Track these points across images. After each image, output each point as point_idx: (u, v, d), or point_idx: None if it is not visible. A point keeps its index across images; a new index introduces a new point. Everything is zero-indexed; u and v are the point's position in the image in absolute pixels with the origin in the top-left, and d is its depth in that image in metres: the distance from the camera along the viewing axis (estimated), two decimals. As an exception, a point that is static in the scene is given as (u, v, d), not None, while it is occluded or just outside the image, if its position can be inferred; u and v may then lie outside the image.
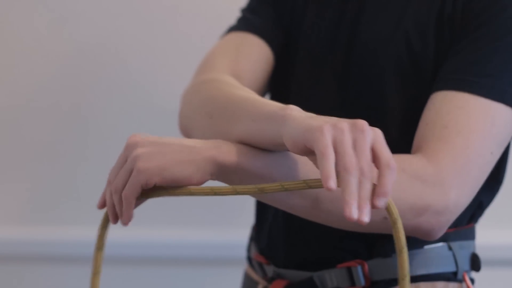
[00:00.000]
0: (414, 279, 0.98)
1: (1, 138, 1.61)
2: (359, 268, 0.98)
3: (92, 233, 1.54)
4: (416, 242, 0.98)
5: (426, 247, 0.99)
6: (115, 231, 1.58)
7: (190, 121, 0.98)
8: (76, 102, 1.59)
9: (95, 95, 1.59)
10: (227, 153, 0.81)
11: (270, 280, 1.07)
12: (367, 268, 0.98)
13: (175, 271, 1.59)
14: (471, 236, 1.04)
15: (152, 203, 1.56)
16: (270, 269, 1.07)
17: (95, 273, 0.85)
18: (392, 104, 0.99)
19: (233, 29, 1.13)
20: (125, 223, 0.82)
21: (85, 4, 1.57)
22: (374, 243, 0.99)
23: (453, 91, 0.92)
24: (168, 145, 0.80)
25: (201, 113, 0.94)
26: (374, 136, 0.71)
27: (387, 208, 0.73)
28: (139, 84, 1.53)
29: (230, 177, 0.81)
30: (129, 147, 0.81)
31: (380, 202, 0.69)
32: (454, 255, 1.00)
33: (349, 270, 0.99)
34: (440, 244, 0.99)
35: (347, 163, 0.68)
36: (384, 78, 1.00)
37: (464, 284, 1.00)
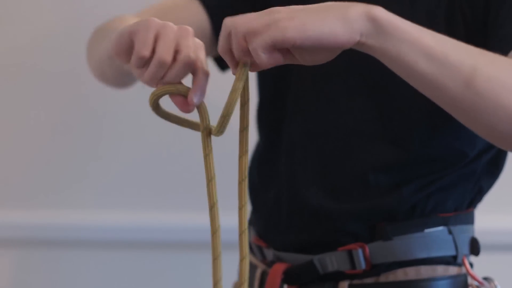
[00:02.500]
0: (415, 262, 0.98)
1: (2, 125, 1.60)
2: (360, 251, 0.98)
3: (92, 217, 1.56)
4: (417, 225, 0.99)
5: (427, 230, 0.99)
6: (119, 215, 1.60)
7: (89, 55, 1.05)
8: (77, 87, 1.59)
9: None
10: (383, 10, 0.74)
11: (269, 263, 1.07)
12: (368, 251, 0.98)
13: (173, 256, 1.59)
14: (470, 220, 1.04)
15: (149, 187, 1.57)
16: (269, 253, 1.07)
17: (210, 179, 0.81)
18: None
19: None
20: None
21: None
22: (374, 226, 0.99)
23: None
24: (315, 7, 0.73)
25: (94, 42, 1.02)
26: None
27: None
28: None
29: (383, 39, 0.74)
30: (271, 12, 0.73)
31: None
32: (454, 239, 1.00)
33: (350, 253, 0.99)
34: (440, 228, 1.00)
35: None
36: None
37: (463, 268, 1.01)
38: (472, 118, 0.79)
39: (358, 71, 1.00)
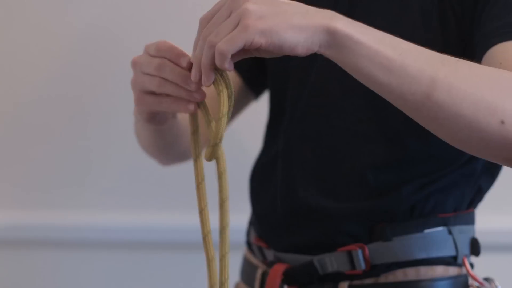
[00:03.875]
0: (414, 263, 0.98)
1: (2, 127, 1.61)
2: (359, 251, 0.98)
3: (92, 218, 1.57)
4: (416, 226, 0.99)
5: (427, 231, 0.99)
6: (119, 216, 1.60)
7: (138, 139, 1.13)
8: (77, 88, 1.59)
9: (94, 83, 1.59)
10: (344, 21, 0.75)
11: (270, 264, 1.07)
12: (368, 251, 0.98)
13: (174, 256, 1.59)
14: (470, 221, 1.04)
15: (150, 187, 1.58)
16: (270, 253, 1.07)
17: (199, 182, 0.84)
18: None
19: None
20: (206, 85, 0.78)
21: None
22: (374, 226, 0.99)
23: (510, 41, 0.86)
24: (281, 4, 0.74)
25: None
26: None
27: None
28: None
29: (340, 52, 0.75)
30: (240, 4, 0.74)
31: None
32: (454, 239, 1.00)
33: (350, 254, 0.99)
34: (440, 228, 1.00)
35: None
36: None
37: (463, 268, 1.01)
38: (434, 126, 0.79)
39: None
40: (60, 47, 1.58)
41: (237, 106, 1.19)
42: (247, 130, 1.49)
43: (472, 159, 1.01)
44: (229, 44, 0.73)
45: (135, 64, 0.88)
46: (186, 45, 0.86)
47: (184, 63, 0.82)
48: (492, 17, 0.91)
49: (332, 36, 0.74)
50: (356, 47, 0.75)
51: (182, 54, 0.82)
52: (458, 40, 0.96)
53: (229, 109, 0.80)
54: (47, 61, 1.58)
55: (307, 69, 1.06)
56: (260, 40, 0.73)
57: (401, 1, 0.99)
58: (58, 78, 1.58)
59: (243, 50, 0.76)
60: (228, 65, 0.75)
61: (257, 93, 1.21)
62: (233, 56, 0.75)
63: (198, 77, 0.79)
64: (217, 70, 0.79)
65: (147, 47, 0.86)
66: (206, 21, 0.78)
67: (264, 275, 1.07)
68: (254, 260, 1.11)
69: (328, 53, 0.76)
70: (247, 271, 1.14)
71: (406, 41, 0.78)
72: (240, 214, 1.27)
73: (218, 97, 0.79)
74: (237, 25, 0.74)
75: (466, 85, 0.76)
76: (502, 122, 0.75)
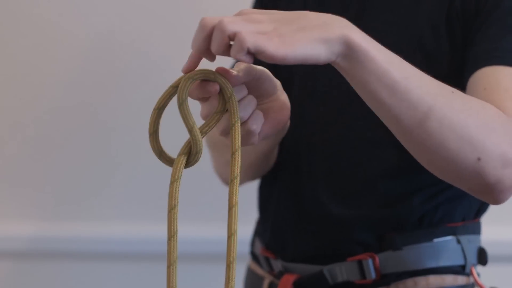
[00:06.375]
0: (424, 272, 0.99)
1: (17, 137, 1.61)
2: (370, 261, 0.99)
3: (101, 229, 1.56)
4: (425, 235, 0.99)
5: (436, 240, 1.00)
6: (121, 227, 1.60)
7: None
8: (93, 98, 1.60)
9: (109, 92, 1.60)
10: (361, 35, 0.76)
11: (277, 274, 1.07)
12: (378, 261, 0.98)
13: (180, 267, 1.58)
14: (477, 230, 1.05)
15: (152, 198, 1.57)
16: (277, 264, 1.07)
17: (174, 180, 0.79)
18: None
19: None
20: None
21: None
22: (383, 236, 0.99)
23: (498, 66, 0.90)
24: (298, 20, 0.74)
25: None
26: None
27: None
28: (160, 82, 1.54)
29: (353, 65, 0.76)
30: (256, 20, 0.73)
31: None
32: (462, 249, 1.01)
33: (360, 263, 0.99)
34: (449, 237, 1.00)
35: None
36: None
37: (471, 278, 1.01)
38: (416, 151, 0.83)
39: None
40: (77, 57, 1.58)
41: None
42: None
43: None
44: (251, 38, 0.71)
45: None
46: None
47: None
48: (486, 38, 0.94)
49: (349, 48, 0.75)
50: (368, 63, 0.76)
51: None
52: (463, 46, 0.97)
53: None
54: (63, 73, 1.59)
55: (311, 77, 1.06)
56: (283, 54, 0.71)
57: (412, 12, 1.00)
58: (67, 89, 1.58)
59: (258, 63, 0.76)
60: (245, 57, 0.72)
61: None
62: (249, 71, 0.76)
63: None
64: (224, 92, 0.76)
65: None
66: None
67: (271, 286, 1.07)
68: (260, 271, 1.11)
69: (342, 64, 0.76)
70: (252, 282, 1.13)
71: (411, 65, 0.80)
72: (243, 225, 1.27)
73: (231, 130, 0.76)
74: (259, 32, 0.72)
75: (457, 118, 0.79)
76: (479, 159, 0.80)
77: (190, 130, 0.76)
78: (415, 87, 0.78)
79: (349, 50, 0.75)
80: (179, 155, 0.78)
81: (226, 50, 0.73)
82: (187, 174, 1.58)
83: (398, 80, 0.77)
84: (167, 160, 0.80)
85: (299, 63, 0.74)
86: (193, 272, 1.58)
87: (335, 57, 0.75)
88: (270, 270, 1.09)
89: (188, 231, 1.54)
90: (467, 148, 0.79)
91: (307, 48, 0.73)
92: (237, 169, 0.77)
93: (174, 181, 0.79)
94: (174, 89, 0.77)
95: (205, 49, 0.74)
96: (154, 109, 0.77)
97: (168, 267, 0.80)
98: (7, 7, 1.58)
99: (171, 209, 0.80)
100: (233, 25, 0.72)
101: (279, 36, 0.72)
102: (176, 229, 0.81)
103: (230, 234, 0.78)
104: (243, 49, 0.71)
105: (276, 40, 0.72)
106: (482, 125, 0.80)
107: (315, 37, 0.73)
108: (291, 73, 1.08)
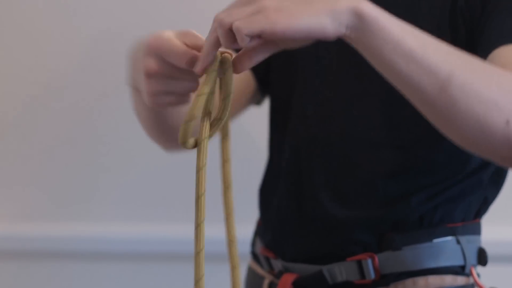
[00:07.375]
0: (424, 272, 0.99)
1: (15, 137, 1.61)
2: (369, 261, 0.99)
3: (100, 229, 1.56)
4: (425, 235, 0.99)
5: (435, 240, 0.99)
6: (120, 227, 1.60)
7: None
8: (83, 102, 1.60)
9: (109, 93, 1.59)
10: (370, 6, 0.73)
11: (277, 274, 1.07)
12: (377, 261, 0.98)
13: (178, 267, 1.58)
14: (477, 231, 1.05)
15: (152, 198, 1.57)
16: (277, 263, 1.07)
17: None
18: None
19: None
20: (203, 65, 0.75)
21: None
22: (383, 236, 1.00)
23: None
24: None
25: None
26: None
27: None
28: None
29: (367, 36, 0.74)
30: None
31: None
32: (462, 249, 1.00)
33: (359, 263, 0.99)
34: (449, 238, 1.00)
35: None
36: None
37: (471, 278, 1.01)
38: (445, 123, 0.80)
39: (366, 79, 1.01)
40: (73, 57, 1.58)
41: (244, 104, 1.18)
42: (254, 139, 1.49)
43: (479, 169, 1.02)
44: (246, 24, 0.71)
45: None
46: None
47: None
48: (498, 22, 0.93)
49: (359, 18, 0.73)
50: (381, 32, 0.74)
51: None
52: (466, 42, 0.97)
53: (223, 111, 0.79)
54: (60, 76, 1.58)
55: (313, 76, 1.06)
56: (283, 29, 0.70)
57: (415, 8, 1.00)
58: (63, 91, 1.58)
59: (272, 43, 0.74)
60: (253, 43, 0.72)
61: (262, 96, 1.20)
62: (263, 51, 0.74)
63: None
64: (221, 66, 0.77)
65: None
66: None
67: (271, 286, 1.07)
68: (260, 270, 1.11)
69: (354, 36, 0.74)
70: (253, 281, 1.13)
71: (425, 33, 0.78)
72: (243, 224, 1.27)
73: (208, 75, 0.75)
74: (256, 12, 0.72)
75: (478, 83, 0.77)
76: (507, 122, 0.77)
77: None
78: (432, 53, 0.76)
79: (360, 21, 0.73)
80: (201, 140, 0.77)
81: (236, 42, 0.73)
82: (187, 174, 1.59)
83: (414, 47, 0.75)
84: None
85: (303, 38, 0.72)
86: (193, 272, 1.58)
87: (344, 29, 0.73)
88: (270, 269, 1.09)
89: (188, 231, 1.55)
90: (494, 111, 0.76)
91: (311, 19, 0.71)
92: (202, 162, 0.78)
93: (200, 168, 0.78)
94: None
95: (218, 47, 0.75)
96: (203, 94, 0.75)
97: (196, 254, 0.79)
98: (6, 7, 1.58)
99: (199, 197, 0.79)
100: (228, 17, 0.72)
101: (278, 10, 0.71)
102: (203, 217, 0.80)
103: (197, 225, 0.80)
104: (243, 39, 0.71)
105: (273, 16, 0.70)
106: (506, 89, 0.78)
107: (320, 8, 0.72)
108: (292, 74, 1.08)
